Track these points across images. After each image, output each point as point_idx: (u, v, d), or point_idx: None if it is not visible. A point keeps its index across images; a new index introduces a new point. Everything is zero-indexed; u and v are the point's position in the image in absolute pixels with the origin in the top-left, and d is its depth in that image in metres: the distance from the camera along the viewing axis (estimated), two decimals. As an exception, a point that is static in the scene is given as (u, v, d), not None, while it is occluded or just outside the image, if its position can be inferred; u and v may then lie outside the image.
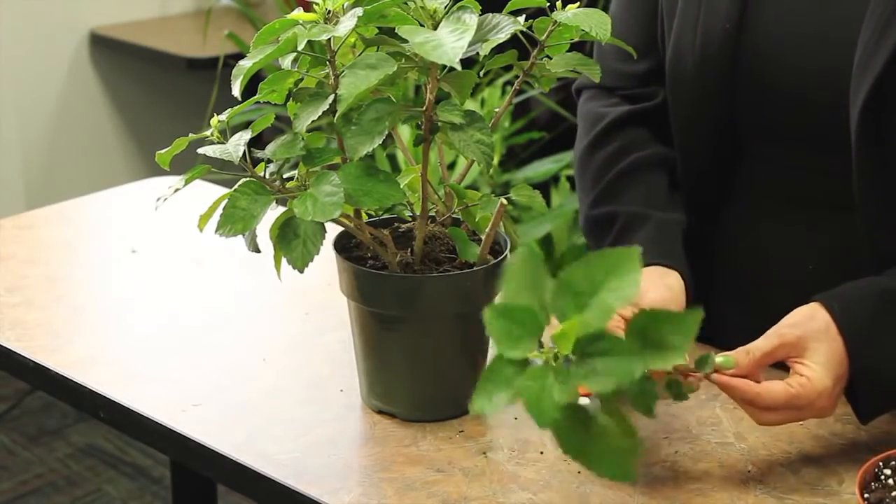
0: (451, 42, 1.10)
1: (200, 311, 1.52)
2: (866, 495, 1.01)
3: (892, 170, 1.24)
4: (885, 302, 1.19)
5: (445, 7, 1.17)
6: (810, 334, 1.15)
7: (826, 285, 1.24)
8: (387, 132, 1.14)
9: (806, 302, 1.19)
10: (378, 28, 1.21)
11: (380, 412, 1.28)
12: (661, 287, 1.27)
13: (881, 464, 1.04)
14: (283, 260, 1.14)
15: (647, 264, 1.29)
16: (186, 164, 1.21)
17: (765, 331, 1.17)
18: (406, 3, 1.17)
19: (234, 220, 1.13)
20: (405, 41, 1.13)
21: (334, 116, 1.14)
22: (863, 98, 1.22)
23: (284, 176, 1.17)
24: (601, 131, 1.45)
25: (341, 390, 1.33)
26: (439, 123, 1.17)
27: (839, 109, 1.25)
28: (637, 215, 1.36)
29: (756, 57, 1.31)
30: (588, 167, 1.44)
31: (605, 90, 1.47)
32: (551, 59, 1.23)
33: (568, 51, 1.24)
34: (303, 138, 1.16)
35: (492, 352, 1.32)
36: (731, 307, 1.39)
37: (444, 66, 1.14)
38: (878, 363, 1.16)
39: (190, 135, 1.18)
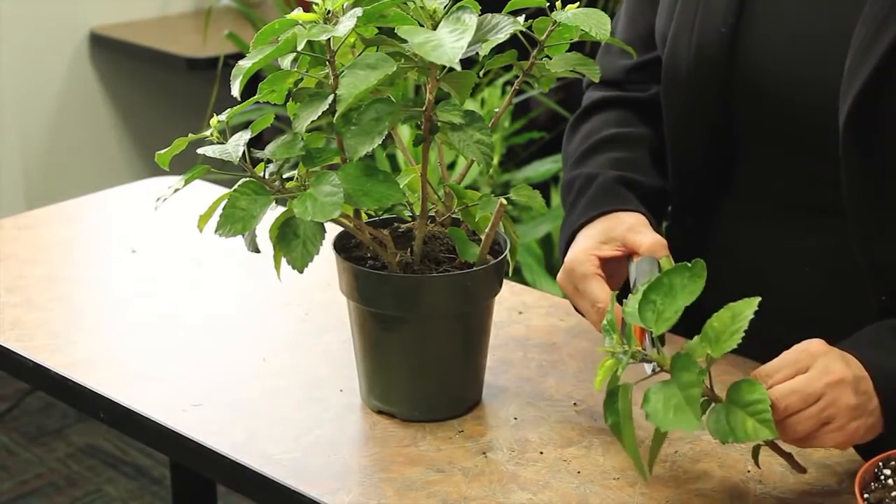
0: (450, 42, 1.10)
1: (200, 311, 1.52)
2: (866, 495, 1.01)
3: (880, 176, 1.24)
4: (888, 328, 1.20)
5: (445, 7, 1.17)
6: (811, 345, 1.14)
7: (821, 288, 1.23)
8: (387, 132, 1.14)
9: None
10: (378, 28, 1.21)
11: (379, 412, 1.28)
12: (646, 227, 1.30)
13: (881, 464, 1.04)
14: (283, 260, 1.14)
15: (602, 213, 1.32)
16: (186, 164, 1.21)
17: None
18: (406, 3, 1.17)
19: (234, 221, 1.13)
20: (405, 41, 1.13)
21: (334, 116, 1.14)
22: (849, 104, 1.21)
23: (284, 176, 1.17)
24: (587, 108, 1.49)
25: (341, 390, 1.33)
26: (439, 123, 1.17)
27: (830, 115, 1.24)
28: (593, 175, 1.38)
29: (750, 60, 1.31)
30: (569, 141, 1.48)
31: (605, 84, 1.49)
32: (551, 59, 1.23)
33: (568, 51, 1.24)
34: (303, 138, 1.16)
35: (496, 352, 1.32)
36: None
37: (444, 66, 1.14)
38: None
39: (190, 135, 1.18)
